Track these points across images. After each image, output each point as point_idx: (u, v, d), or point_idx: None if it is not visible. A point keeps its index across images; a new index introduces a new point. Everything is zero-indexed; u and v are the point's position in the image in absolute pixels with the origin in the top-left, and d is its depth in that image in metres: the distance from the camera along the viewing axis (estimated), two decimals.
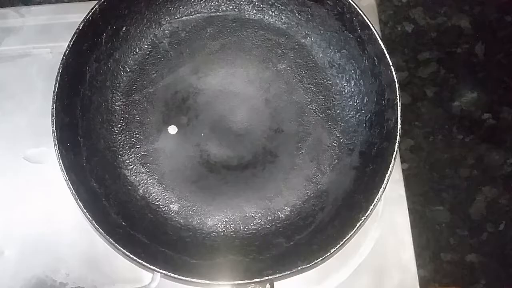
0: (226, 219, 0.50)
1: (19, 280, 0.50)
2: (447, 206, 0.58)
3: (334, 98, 0.53)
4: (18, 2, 0.58)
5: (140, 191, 0.50)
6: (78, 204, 0.44)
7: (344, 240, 0.44)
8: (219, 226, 0.50)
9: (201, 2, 0.54)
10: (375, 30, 0.48)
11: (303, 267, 0.44)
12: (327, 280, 0.50)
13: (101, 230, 0.44)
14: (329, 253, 0.44)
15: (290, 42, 0.54)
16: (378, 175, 0.46)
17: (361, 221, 0.45)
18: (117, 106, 0.52)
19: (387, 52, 0.48)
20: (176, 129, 0.52)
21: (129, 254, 0.44)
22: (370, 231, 0.51)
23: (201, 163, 0.51)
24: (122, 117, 0.52)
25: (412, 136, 0.58)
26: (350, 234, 0.44)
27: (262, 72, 0.54)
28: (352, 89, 0.53)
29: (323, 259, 0.44)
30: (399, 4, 0.62)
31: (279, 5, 0.54)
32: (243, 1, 0.54)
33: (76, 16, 0.50)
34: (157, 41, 0.54)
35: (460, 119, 0.60)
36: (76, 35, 0.47)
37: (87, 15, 0.48)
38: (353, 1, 0.49)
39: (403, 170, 0.54)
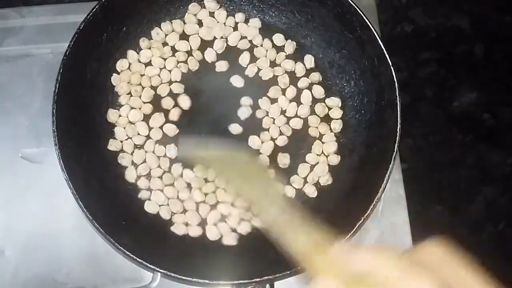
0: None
1: (19, 279, 0.50)
2: (447, 206, 0.58)
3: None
4: (19, 3, 0.58)
5: (140, 190, 0.50)
6: (79, 204, 0.44)
7: (344, 240, 0.44)
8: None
9: (201, 2, 0.54)
10: (375, 31, 0.48)
11: (303, 267, 0.44)
12: None
13: (101, 230, 0.44)
14: None
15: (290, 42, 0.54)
16: (378, 175, 0.46)
17: (361, 221, 0.45)
18: (117, 106, 0.52)
19: (387, 52, 0.48)
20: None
21: (130, 253, 0.44)
22: (370, 231, 0.51)
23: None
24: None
25: (412, 136, 0.58)
26: (350, 234, 0.44)
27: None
28: (352, 89, 0.53)
29: None
30: (398, 4, 0.62)
31: (279, 5, 0.54)
32: (243, 2, 0.55)
33: (77, 16, 0.50)
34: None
35: (460, 119, 0.60)
36: (76, 36, 0.47)
37: (87, 16, 0.48)
38: (352, 2, 0.49)
39: (403, 170, 0.54)
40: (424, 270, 0.22)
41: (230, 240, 0.49)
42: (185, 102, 0.52)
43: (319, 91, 0.53)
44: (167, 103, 0.52)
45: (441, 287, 0.21)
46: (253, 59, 0.54)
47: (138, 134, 0.51)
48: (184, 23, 0.54)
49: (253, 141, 0.51)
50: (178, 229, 0.49)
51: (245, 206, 0.34)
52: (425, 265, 0.22)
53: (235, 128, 0.52)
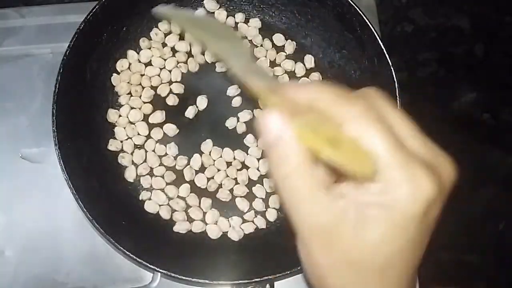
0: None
1: (19, 280, 0.50)
2: (447, 206, 0.58)
3: None
4: (19, 3, 0.58)
5: (141, 191, 0.51)
6: (79, 204, 0.44)
7: None
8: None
9: (201, 2, 0.54)
10: (375, 31, 0.48)
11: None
12: None
13: (101, 230, 0.44)
14: None
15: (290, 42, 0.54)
16: None
17: None
18: (117, 106, 0.52)
19: (387, 52, 0.48)
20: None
21: (130, 253, 0.44)
22: None
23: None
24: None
25: None
26: None
27: None
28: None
29: None
30: (398, 4, 0.62)
31: (279, 5, 0.54)
32: (244, 2, 0.55)
33: (77, 16, 0.50)
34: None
35: (460, 119, 0.60)
36: (76, 36, 0.47)
37: (87, 16, 0.48)
38: (352, 2, 0.49)
39: None
40: (363, 101, 0.25)
41: (232, 235, 0.49)
42: (202, 103, 0.52)
43: None
44: (172, 101, 0.52)
45: (375, 118, 0.24)
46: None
47: (138, 134, 0.51)
48: None
49: (251, 139, 0.52)
50: (180, 226, 0.49)
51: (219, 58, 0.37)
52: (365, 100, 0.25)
53: (235, 128, 0.52)
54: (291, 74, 0.54)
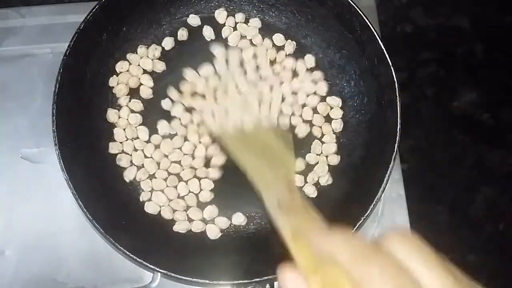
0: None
1: (19, 279, 0.50)
2: (447, 206, 0.58)
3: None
4: (18, 3, 0.58)
5: (140, 190, 0.51)
6: (79, 204, 0.44)
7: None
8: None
9: (201, 2, 0.54)
10: (375, 31, 0.48)
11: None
12: None
13: (101, 229, 0.44)
14: None
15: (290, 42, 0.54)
16: (378, 175, 0.46)
17: (361, 221, 0.45)
18: (117, 106, 0.52)
19: (387, 53, 0.48)
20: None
21: (130, 253, 0.44)
22: (370, 231, 0.51)
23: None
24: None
25: (412, 136, 0.58)
26: None
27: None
28: (352, 90, 0.53)
29: None
30: (398, 4, 0.62)
31: (279, 5, 0.54)
32: (244, 2, 0.55)
33: (77, 16, 0.50)
34: (157, 41, 0.54)
35: (460, 119, 0.60)
36: (76, 36, 0.47)
37: (87, 16, 0.48)
38: (352, 2, 0.49)
39: (403, 170, 0.54)
40: (378, 259, 0.23)
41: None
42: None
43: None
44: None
45: (393, 276, 0.22)
46: (253, 58, 0.54)
47: (138, 137, 0.51)
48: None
49: None
50: (180, 226, 0.49)
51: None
52: (386, 254, 0.23)
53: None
54: (292, 74, 0.53)
